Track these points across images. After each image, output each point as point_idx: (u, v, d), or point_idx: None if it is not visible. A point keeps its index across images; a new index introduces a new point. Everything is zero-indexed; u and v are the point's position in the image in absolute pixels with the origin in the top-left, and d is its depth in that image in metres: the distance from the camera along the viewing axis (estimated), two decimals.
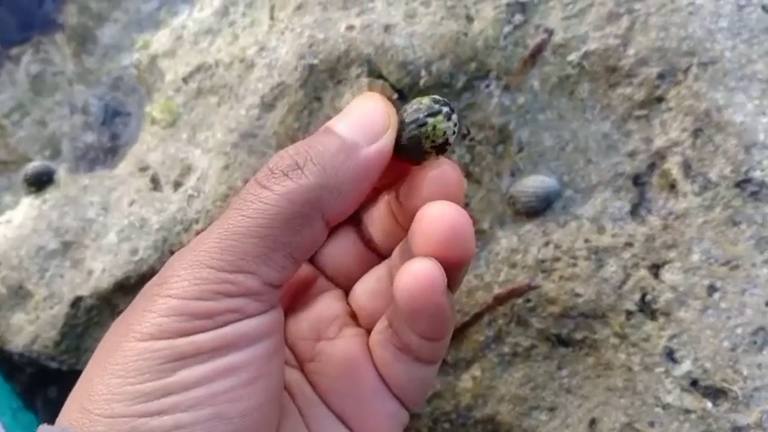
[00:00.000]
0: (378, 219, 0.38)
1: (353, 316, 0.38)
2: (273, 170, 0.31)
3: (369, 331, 0.37)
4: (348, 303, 0.39)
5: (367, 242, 0.39)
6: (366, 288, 0.38)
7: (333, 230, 0.35)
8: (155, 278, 0.32)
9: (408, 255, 0.33)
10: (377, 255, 0.39)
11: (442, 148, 0.34)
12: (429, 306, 0.31)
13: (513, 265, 0.53)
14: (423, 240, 0.31)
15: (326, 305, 0.38)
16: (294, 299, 0.39)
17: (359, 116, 0.32)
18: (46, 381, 0.65)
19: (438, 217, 0.31)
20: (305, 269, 0.39)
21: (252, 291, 0.30)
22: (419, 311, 0.32)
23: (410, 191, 0.34)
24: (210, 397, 0.29)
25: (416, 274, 0.31)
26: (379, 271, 0.38)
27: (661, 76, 0.51)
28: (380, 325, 0.37)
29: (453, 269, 0.32)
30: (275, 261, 0.30)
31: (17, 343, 0.60)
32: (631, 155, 0.52)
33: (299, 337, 0.38)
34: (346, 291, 0.39)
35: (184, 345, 0.28)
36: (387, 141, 0.32)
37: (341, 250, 0.39)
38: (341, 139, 0.32)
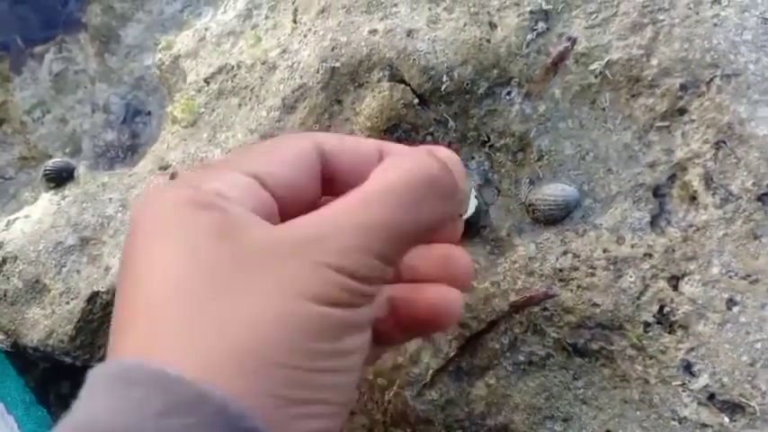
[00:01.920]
0: None
1: None
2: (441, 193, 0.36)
3: None
4: None
5: None
6: None
7: None
8: (252, 224, 0.35)
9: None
10: None
11: None
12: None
13: (531, 274, 0.53)
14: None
15: None
16: None
17: None
18: (59, 376, 0.66)
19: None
20: None
21: (387, 282, 0.35)
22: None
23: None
24: (358, 364, 0.34)
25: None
26: None
27: (684, 88, 0.51)
28: None
29: None
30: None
31: (32, 337, 0.61)
32: (652, 166, 0.52)
33: None
34: None
35: (352, 317, 0.33)
36: None
37: None
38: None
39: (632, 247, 0.51)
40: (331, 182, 0.40)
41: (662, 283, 0.51)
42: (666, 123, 0.52)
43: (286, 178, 0.38)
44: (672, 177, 0.52)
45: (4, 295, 0.62)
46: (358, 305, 0.33)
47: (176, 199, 0.35)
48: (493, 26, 0.53)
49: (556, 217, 0.52)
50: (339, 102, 0.55)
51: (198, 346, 0.30)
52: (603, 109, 0.53)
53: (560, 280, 0.52)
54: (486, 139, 0.55)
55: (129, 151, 0.69)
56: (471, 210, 0.53)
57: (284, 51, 0.58)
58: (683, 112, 0.51)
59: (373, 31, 0.54)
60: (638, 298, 0.51)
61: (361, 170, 0.39)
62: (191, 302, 0.32)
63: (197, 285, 0.33)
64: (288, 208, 0.38)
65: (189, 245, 0.34)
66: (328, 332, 0.32)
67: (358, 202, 0.35)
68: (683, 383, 0.49)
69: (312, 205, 0.38)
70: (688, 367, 0.50)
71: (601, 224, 0.52)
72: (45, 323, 0.60)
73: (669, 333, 0.50)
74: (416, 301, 0.39)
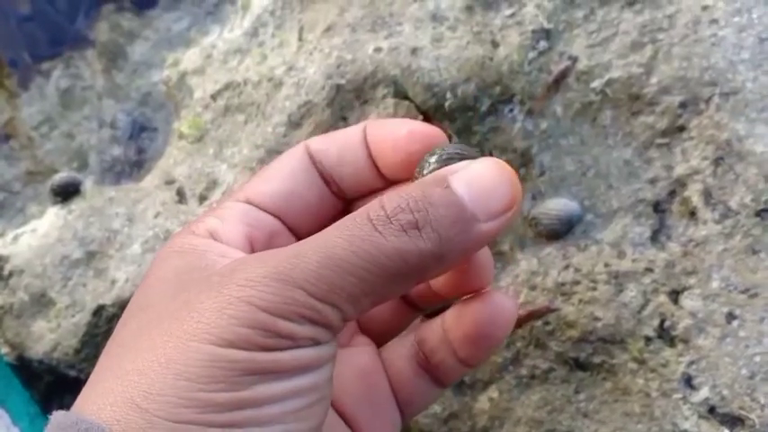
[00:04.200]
0: None
1: (359, 324, 0.40)
2: (392, 218, 0.30)
3: (374, 341, 0.40)
4: None
5: None
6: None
7: None
8: (207, 262, 0.32)
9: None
10: None
11: None
12: (500, 337, 0.36)
13: (533, 288, 0.54)
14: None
15: None
16: None
17: (486, 185, 0.31)
18: (63, 389, 0.66)
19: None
20: None
21: (331, 324, 0.30)
22: (488, 339, 0.36)
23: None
24: (281, 415, 0.28)
25: (503, 306, 0.35)
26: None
27: (683, 105, 0.52)
28: (404, 341, 0.39)
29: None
30: (362, 304, 0.30)
31: (37, 350, 0.61)
32: (652, 182, 0.53)
33: None
34: None
35: (266, 361, 0.28)
36: (503, 222, 0.31)
37: None
38: (461, 208, 0.30)
39: (633, 261, 0.52)
40: (332, 178, 0.38)
41: (662, 298, 0.51)
42: (666, 140, 0.53)
43: (277, 192, 0.37)
44: (672, 193, 0.53)
45: (11, 308, 0.63)
46: (278, 347, 0.28)
47: (168, 247, 0.35)
48: (495, 44, 0.54)
49: (558, 231, 0.53)
50: (344, 118, 0.56)
51: (103, 400, 0.28)
52: (604, 126, 0.54)
53: (562, 294, 0.53)
54: (488, 155, 0.56)
55: (135, 166, 0.70)
56: None
57: (290, 68, 0.59)
58: (682, 129, 0.52)
59: (378, 49, 0.56)
60: (639, 312, 0.51)
61: (348, 159, 0.37)
62: (118, 349, 0.31)
63: (127, 333, 0.31)
64: (297, 218, 0.37)
65: (146, 291, 0.33)
66: (227, 379, 0.27)
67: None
68: (684, 396, 0.50)
69: (329, 208, 0.38)
70: (688, 380, 0.50)
71: (602, 239, 0.53)
72: (50, 336, 0.61)
73: (670, 347, 0.51)
74: (466, 317, 0.36)
